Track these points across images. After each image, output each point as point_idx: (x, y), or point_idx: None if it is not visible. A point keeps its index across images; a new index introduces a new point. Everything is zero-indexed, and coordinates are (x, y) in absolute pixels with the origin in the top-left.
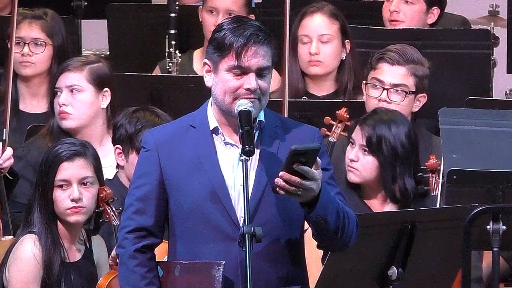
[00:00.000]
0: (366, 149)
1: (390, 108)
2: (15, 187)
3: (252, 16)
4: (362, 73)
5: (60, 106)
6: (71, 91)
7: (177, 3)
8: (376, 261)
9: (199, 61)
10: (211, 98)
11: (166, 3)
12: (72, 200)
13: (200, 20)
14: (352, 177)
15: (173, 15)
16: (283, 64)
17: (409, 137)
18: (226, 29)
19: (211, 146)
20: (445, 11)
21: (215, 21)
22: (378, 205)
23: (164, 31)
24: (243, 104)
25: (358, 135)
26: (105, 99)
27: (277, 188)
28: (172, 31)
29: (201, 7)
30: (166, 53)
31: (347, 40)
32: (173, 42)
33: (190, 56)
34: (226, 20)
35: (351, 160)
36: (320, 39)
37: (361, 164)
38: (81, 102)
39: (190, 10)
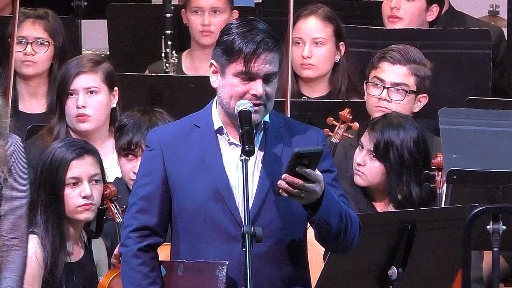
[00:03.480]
0: (374, 154)
1: (390, 106)
2: None
3: (236, 13)
4: (357, 75)
5: (80, 109)
6: (89, 93)
7: (172, 3)
8: (376, 261)
9: (188, 63)
10: (215, 98)
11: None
12: (84, 197)
13: (185, 22)
14: (359, 181)
15: (168, 15)
16: (285, 65)
17: (417, 143)
18: (235, 33)
19: (216, 146)
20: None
21: (201, 20)
22: (384, 207)
23: (163, 31)
24: (243, 104)
25: (367, 140)
26: (114, 98)
27: (280, 191)
28: (168, 32)
29: (183, 10)
30: (163, 54)
31: (341, 43)
32: (169, 43)
33: (179, 58)
34: (235, 22)
35: (358, 164)
36: (313, 42)
37: (367, 169)
38: (99, 103)
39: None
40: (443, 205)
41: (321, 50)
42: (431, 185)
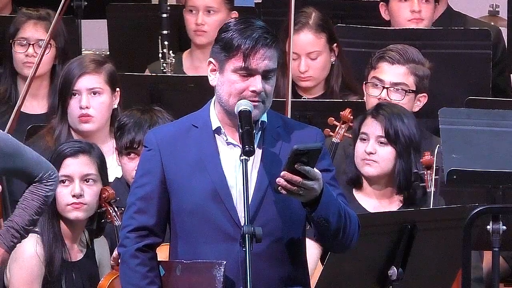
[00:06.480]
0: (383, 140)
1: None
2: (16, 187)
3: (235, 14)
4: (351, 73)
5: (83, 109)
6: (92, 93)
7: (168, 3)
8: (376, 261)
9: (188, 63)
10: (213, 98)
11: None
12: (73, 196)
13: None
14: (370, 171)
15: (164, 15)
16: (286, 64)
17: (418, 128)
18: (233, 30)
19: (214, 146)
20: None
21: (195, 19)
22: (382, 203)
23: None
24: (243, 104)
25: (374, 127)
26: (116, 99)
27: (279, 188)
28: (165, 32)
29: (185, 8)
30: (160, 54)
31: (335, 44)
32: (166, 43)
33: (179, 58)
34: (233, 20)
35: (369, 153)
36: (308, 57)
37: (379, 156)
38: (102, 104)
39: (182, 10)
40: (432, 204)
41: (317, 62)
42: (421, 184)
